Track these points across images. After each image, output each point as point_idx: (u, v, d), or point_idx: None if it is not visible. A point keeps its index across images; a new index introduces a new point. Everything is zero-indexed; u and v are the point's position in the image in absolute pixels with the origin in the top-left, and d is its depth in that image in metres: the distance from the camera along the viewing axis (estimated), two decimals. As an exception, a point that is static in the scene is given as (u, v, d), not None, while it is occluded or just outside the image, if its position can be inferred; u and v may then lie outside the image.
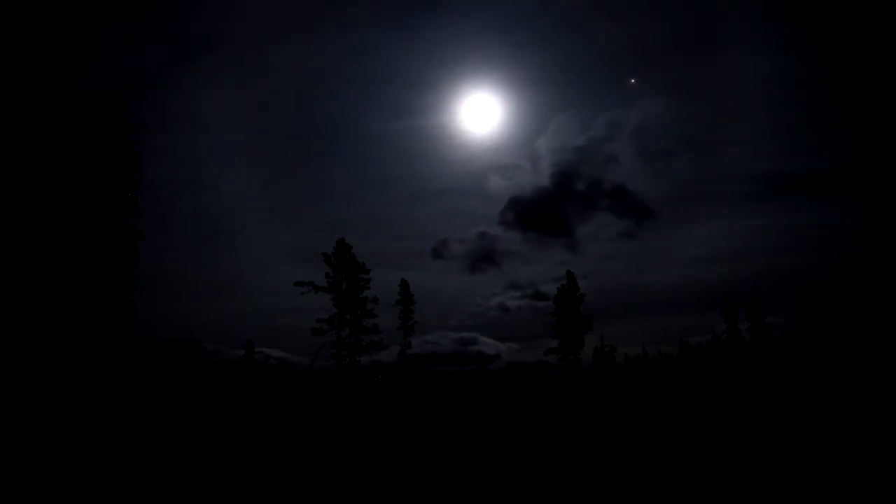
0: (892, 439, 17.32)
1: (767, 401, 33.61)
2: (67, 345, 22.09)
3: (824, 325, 50.54)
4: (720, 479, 12.35)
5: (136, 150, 25.16)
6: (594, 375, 52.38)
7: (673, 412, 32.96)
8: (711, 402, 35.59)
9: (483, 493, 11.54)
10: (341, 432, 23.92)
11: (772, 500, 10.60)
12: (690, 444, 18.60)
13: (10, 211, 22.43)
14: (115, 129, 25.02)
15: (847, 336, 45.45)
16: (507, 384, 67.35)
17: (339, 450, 18.36)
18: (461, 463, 15.73)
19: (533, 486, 12.31)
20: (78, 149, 24.08)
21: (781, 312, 66.09)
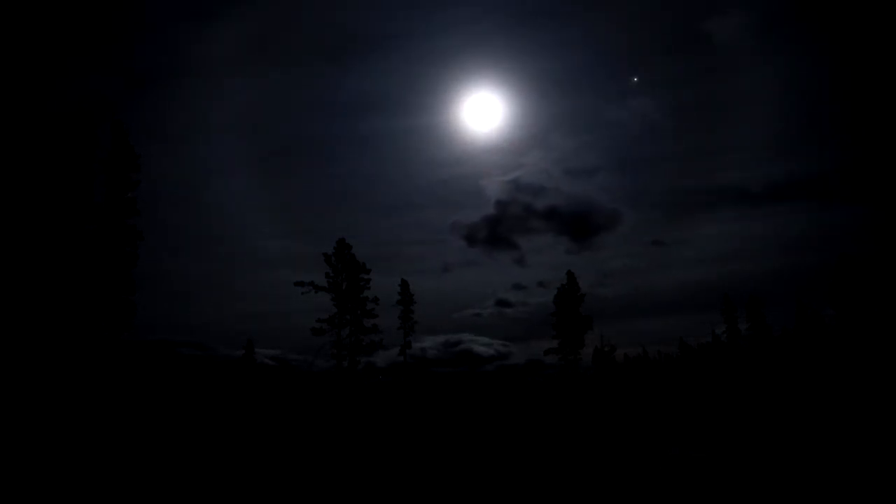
0: (892, 439, 17.32)
1: (767, 401, 33.60)
2: (67, 345, 22.08)
3: (824, 325, 50.54)
4: (720, 479, 12.34)
5: (135, 151, 25.14)
6: (594, 375, 52.34)
7: (673, 412, 32.93)
8: (711, 402, 35.56)
9: (484, 493, 11.53)
10: (341, 432, 23.91)
11: (772, 500, 10.59)
12: (690, 444, 18.59)
13: (9, 211, 22.41)
14: (114, 129, 25.00)
15: (847, 336, 45.43)
16: (506, 384, 67.37)
17: (339, 450, 18.34)
18: (464, 463, 15.72)
19: (534, 485, 12.31)
20: (78, 149, 24.05)
21: (781, 312, 66.00)
